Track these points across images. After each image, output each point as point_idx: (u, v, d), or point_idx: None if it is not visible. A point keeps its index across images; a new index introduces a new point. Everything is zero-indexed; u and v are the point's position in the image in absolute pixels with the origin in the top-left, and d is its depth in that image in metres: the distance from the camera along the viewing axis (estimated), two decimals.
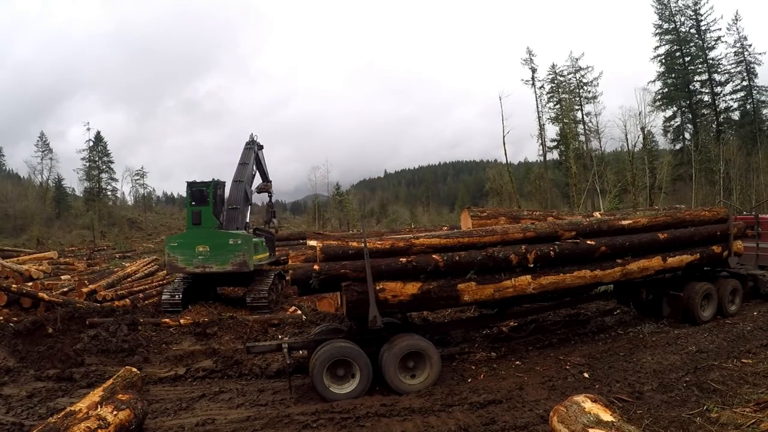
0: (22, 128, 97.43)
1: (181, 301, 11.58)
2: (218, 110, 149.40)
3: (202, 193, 13.05)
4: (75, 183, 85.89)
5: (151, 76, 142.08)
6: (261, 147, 15.96)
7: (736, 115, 46.18)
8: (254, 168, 15.20)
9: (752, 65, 44.36)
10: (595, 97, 50.56)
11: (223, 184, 13.63)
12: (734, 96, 45.76)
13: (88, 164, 63.51)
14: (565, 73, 52.22)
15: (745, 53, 44.46)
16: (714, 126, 45.52)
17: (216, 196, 13.08)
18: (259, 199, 17.51)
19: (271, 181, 17.06)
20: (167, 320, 9.96)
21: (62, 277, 16.65)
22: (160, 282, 15.36)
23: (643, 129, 41.60)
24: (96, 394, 4.93)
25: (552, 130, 52.25)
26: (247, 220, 14.45)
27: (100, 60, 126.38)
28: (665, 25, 47.62)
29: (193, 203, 13.06)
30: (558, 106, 51.75)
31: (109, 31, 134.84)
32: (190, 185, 13.12)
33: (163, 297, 11.81)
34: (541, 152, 52.91)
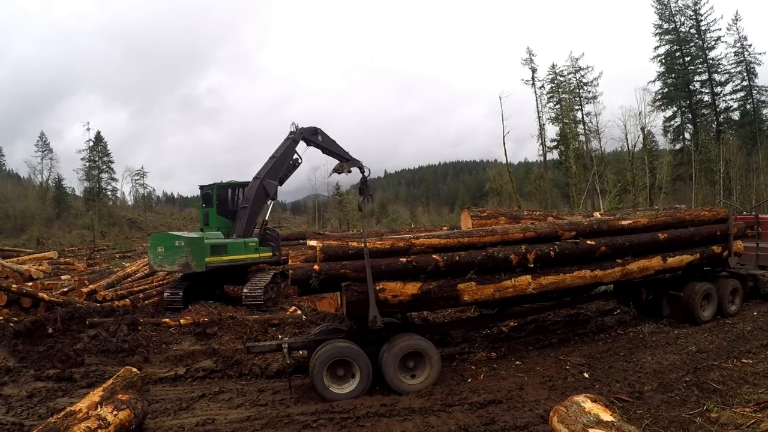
0: (17, 126, 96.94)
1: (182, 299, 11.72)
2: (220, 109, 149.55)
3: (209, 195, 13.73)
4: (75, 183, 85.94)
5: (151, 74, 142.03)
6: (314, 131, 14.37)
7: (736, 115, 46.23)
8: (291, 158, 14.23)
9: (752, 65, 44.46)
10: (595, 97, 50.64)
11: (237, 185, 14.08)
12: (734, 96, 45.87)
13: (88, 164, 63.55)
14: (565, 73, 52.31)
15: (745, 53, 44.52)
16: (714, 126, 45.51)
17: (222, 198, 13.69)
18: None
19: (348, 160, 14.14)
20: (167, 320, 9.96)
21: (62, 277, 16.65)
22: (160, 282, 15.33)
23: (643, 129, 41.57)
24: (96, 394, 4.92)
25: (552, 130, 52.34)
26: (266, 217, 14.21)
27: (99, 57, 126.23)
28: (665, 25, 47.64)
29: (204, 205, 13.80)
30: (558, 106, 51.76)
31: (108, 29, 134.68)
32: (201, 188, 13.80)
33: (165, 295, 11.98)
34: (541, 152, 53.01)
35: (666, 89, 47.79)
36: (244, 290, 12.16)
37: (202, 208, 13.86)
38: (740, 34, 44.23)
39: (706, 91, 46.53)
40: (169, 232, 12.71)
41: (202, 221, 13.83)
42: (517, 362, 7.00)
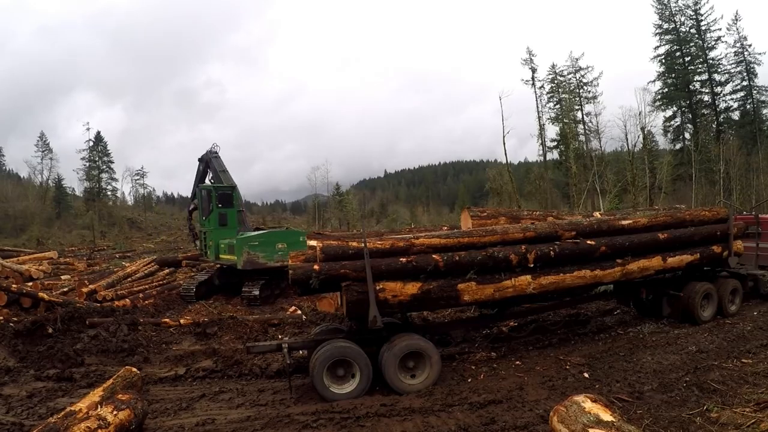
0: (12, 123, 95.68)
1: (194, 293, 12.70)
2: (223, 106, 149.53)
3: (227, 195, 14.26)
4: (75, 183, 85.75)
5: (151, 71, 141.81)
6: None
7: (736, 115, 46.19)
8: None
9: (752, 65, 44.40)
10: (595, 97, 50.51)
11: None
12: (734, 96, 45.81)
13: (87, 164, 63.58)
14: (565, 73, 52.23)
15: (745, 53, 44.49)
16: (714, 126, 45.47)
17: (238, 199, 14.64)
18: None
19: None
20: (167, 320, 9.96)
21: (62, 277, 16.65)
22: (160, 282, 15.37)
23: (643, 129, 41.59)
24: (96, 394, 4.92)
25: (552, 130, 52.29)
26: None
27: (96, 53, 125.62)
28: (665, 25, 47.61)
29: (220, 205, 14.20)
30: (558, 106, 51.74)
31: (107, 26, 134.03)
32: (216, 188, 14.35)
33: (183, 286, 13.28)
34: (541, 152, 52.94)
35: (666, 89, 47.75)
36: (244, 288, 12.67)
37: (219, 209, 14.20)
38: (740, 34, 44.28)
39: (706, 91, 46.51)
40: (291, 229, 14.37)
41: (217, 221, 14.07)
42: (517, 362, 7.00)
